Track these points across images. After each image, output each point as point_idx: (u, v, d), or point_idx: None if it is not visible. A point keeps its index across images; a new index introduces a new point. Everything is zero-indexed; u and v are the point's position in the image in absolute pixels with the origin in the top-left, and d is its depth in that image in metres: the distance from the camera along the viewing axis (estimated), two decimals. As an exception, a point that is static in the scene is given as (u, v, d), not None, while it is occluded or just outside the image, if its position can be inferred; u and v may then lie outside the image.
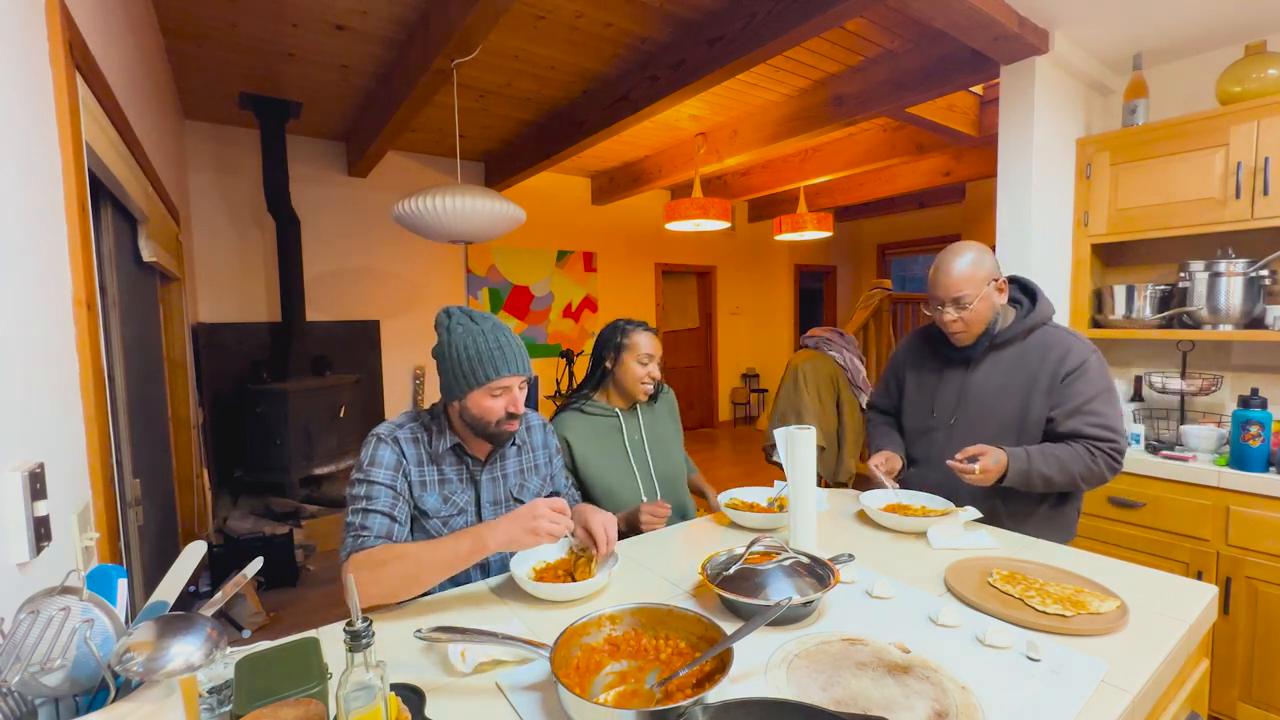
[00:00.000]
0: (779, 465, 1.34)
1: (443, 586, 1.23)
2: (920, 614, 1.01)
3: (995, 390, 1.50)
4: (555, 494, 1.42)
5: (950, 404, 1.55)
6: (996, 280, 1.46)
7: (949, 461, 1.39)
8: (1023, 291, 1.57)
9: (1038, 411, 1.44)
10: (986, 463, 1.35)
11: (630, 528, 1.53)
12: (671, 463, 1.74)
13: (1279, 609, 1.77)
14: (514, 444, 1.34)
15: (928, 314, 1.53)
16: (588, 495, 1.62)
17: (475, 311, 1.23)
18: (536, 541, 1.06)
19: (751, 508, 1.55)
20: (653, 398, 1.76)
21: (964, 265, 1.44)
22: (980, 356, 1.53)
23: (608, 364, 1.68)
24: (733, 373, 7.40)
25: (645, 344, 1.65)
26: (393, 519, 1.14)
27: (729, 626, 0.86)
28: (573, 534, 1.24)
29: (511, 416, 1.21)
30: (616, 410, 1.69)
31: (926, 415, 1.61)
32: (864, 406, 3.85)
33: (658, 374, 1.67)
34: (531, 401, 3.07)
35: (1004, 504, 1.48)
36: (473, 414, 1.20)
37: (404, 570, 1.05)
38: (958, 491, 1.49)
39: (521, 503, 1.29)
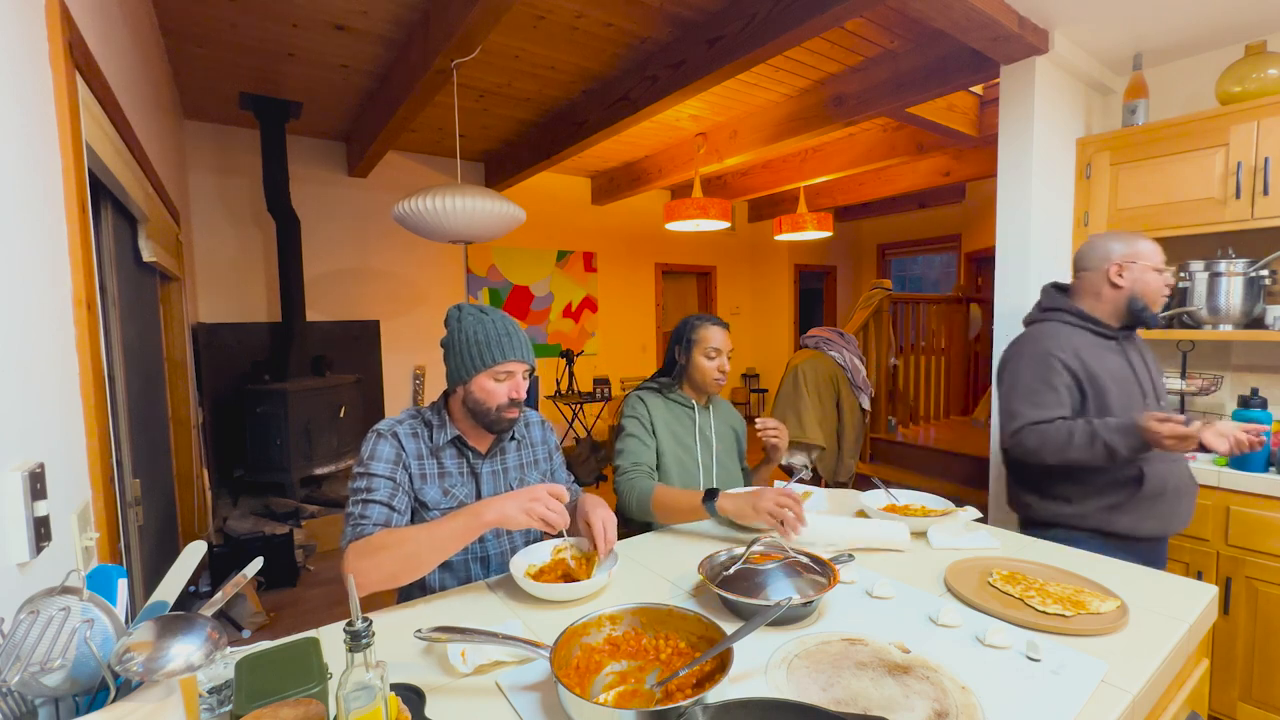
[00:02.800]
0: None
1: (444, 584, 1.24)
2: (920, 614, 1.01)
3: (1154, 369, 1.64)
4: None
5: (1149, 389, 1.59)
6: None
7: (1249, 436, 1.33)
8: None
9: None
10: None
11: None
12: (725, 470, 1.75)
13: (1279, 609, 1.77)
14: (513, 438, 1.36)
15: (1165, 278, 1.55)
16: (657, 460, 1.63)
17: (485, 306, 1.28)
18: (529, 522, 1.08)
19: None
20: (716, 407, 1.78)
21: None
22: (1127, 340, 1.62)
23: (679, 359, 1.71)
24: (733, 373, 7.39)
25: (712, 338, 1.67)
26: (391, 508, 1.17)
27: (729, 626, 0.86)
28: (567, 531, 1.24)
29: (514, 403, 1.24)
30: (693, 402, 1.72)
31: (1139, 406, 1.52)
32: (865, 408, 3.85)
33: (727, 367, 1.69)
34: (532, 401, 3.07)
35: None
36: (476, 398, 1.22)
37: (404, 553, 1.07)
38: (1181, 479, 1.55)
39: None
